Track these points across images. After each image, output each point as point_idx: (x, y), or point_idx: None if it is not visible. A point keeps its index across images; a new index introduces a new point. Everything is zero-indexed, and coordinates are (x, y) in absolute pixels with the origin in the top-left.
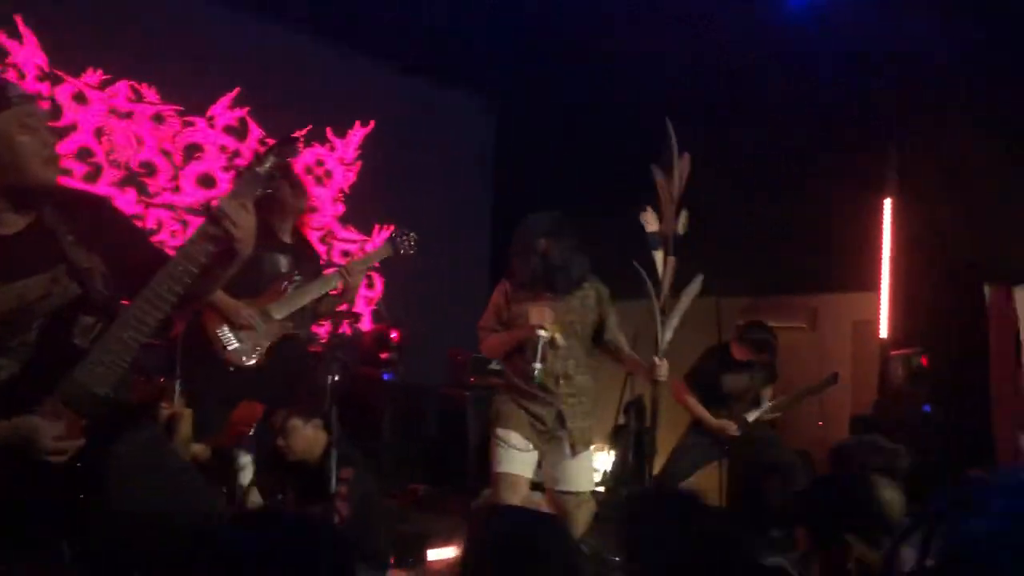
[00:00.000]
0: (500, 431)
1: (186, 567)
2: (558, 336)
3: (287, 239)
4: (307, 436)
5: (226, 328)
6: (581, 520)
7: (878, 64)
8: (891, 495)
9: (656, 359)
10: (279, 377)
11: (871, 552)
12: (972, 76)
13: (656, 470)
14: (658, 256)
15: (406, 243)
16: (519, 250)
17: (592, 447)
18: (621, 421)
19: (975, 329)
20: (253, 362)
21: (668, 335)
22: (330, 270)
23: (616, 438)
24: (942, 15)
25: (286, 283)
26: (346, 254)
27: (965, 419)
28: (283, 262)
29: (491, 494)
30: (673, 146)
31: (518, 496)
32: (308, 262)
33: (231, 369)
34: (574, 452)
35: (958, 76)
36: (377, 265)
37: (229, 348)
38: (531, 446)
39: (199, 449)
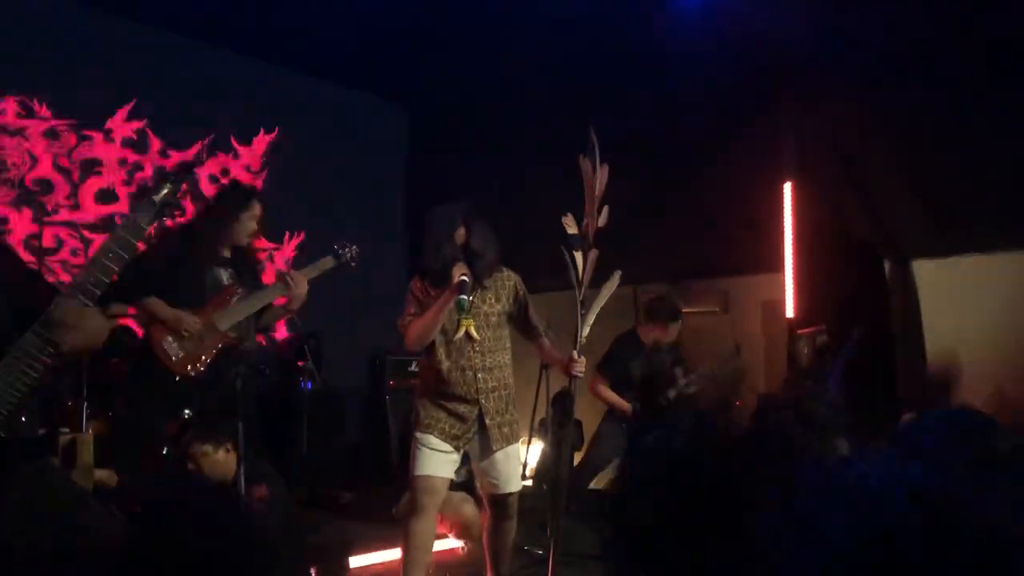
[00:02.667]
0: (419, 433)
1: None
2: (473, 330)
3: (226, 253)
4: (218, 461)
5: (170, 338)
6: (513, 516)
7: (774, 50)
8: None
9: (574, 353)
10: (223, 388)
11: None
12: (865, 60)
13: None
14: (578, 256)
15: (348, 255)
16: (435, 239)
17: (520, 441)
18: (547, 414)
19: (877, 304)
20: (198, 371)
21: (585, 330)
22: (272, 279)
23: (542, 431)
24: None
25: (230, 295)
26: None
27: (871, 393)
28: (224, 275)
29: (409, 498)
30: (595, 152)
31: (436, 499)
32: (249, 274)
33: (176, 379)
34: (499, 448)
35: (852, 61)
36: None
37: (174, 358)
38: (451, 447)
39: (104, 475)
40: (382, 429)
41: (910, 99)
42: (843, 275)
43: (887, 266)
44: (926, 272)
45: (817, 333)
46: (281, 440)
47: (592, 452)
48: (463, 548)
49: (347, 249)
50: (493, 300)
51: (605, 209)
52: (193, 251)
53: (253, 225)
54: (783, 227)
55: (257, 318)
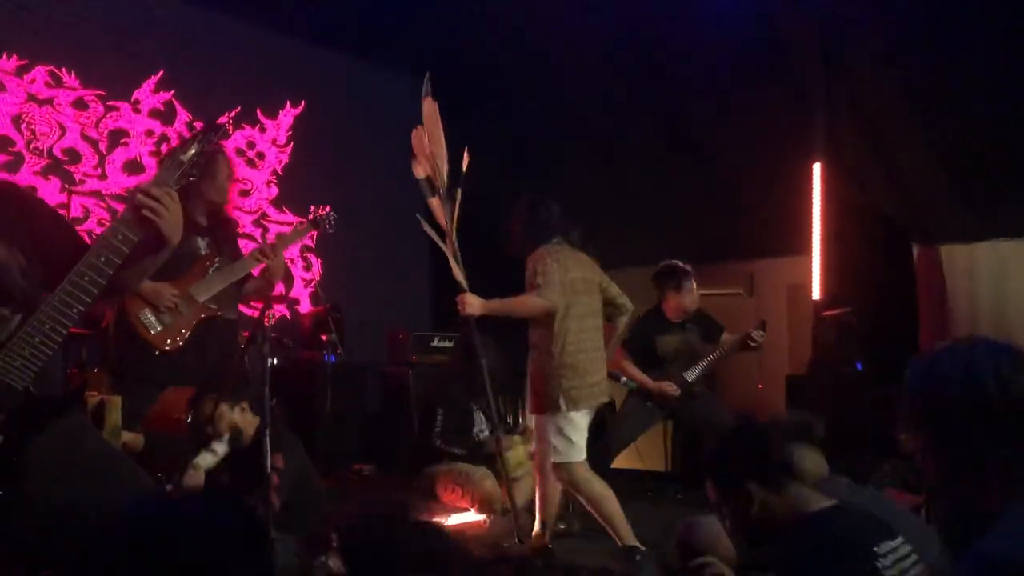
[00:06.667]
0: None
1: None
2: None
3: (203, 221)
4: (234, 421)
5: (148, 311)
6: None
7: (805, 29)
8: (805, 454)
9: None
10: (205, 360)
11: (776, 497)
12: (897, 41)
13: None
14: (433, 202)
15: (326, 221)
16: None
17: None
18: None
19: (904, 288)
20: (177, 345)
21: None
22: (248, 251)
23: None
24: None
25: (207, 264)
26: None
27: (896, 375)
28: (201, 244)
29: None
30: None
31: None
32: (227, 243)
33: (156, 353)
34: None
35: (884, 41)
36: (312, 245)
37: (152, 332)
38: None
39: (131, 438)
40: (403, 403)
41: (944, 79)
42: (870, 258)
43: (915, 249)
44: (955, 256)
45: (843, 315)
46: (304, 413)
47: (615, 429)
48: (485, 521)
49: (324, 215)
50: None
51: (465, 153)
52: None
53: (226, 183)
54: (811, 208)
55: (238, 288)
